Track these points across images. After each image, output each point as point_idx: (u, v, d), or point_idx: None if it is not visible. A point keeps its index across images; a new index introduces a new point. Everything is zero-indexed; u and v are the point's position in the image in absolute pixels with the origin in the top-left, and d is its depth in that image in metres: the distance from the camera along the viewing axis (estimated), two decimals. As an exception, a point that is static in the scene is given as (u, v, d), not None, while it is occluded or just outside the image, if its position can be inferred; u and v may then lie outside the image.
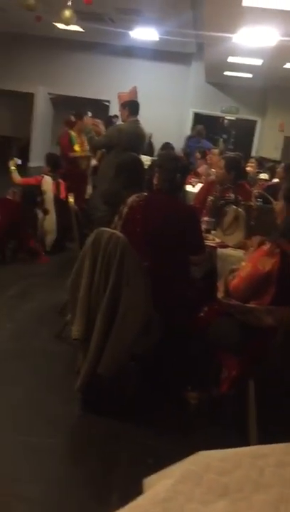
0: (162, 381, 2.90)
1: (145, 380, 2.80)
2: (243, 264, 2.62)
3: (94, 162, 6.76)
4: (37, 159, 12.30)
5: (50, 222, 5.80)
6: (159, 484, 1.06)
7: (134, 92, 5.31)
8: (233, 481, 1.03)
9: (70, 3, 6.54)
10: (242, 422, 2.51)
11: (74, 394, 2.75)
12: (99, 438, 2.58)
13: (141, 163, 3.64)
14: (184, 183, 3.51)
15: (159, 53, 12.18)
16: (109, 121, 9.07)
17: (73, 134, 6.58)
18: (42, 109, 13.78)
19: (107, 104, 12.54)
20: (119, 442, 2.55)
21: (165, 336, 2.75)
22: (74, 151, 6.55)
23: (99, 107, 11.80)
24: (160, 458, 2.36)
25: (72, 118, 6.73)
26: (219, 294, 2.60)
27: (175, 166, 3.00)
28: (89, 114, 5.97)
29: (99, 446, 2.53)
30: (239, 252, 3.28)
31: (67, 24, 6.79)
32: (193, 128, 10.87)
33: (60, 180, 6.00)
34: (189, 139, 10.14)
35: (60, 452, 2.44)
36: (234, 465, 1.07)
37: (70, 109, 7.66)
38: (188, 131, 11.91)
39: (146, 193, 3.19)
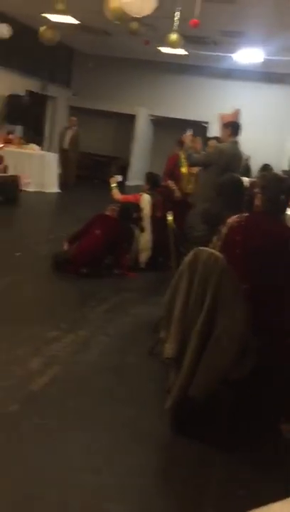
0: (256, 409, 2.78)
1: (238, 406, 2.69)
2: None
3: None
4: (135, 178, 12.65)
5: (145, 239, 5.89)
6: (263, 521, 0.99)
7: (237, 114, 5.36)
8: None
9: (176, 27, 6.70)
10: None
11: (164, 413, 2.71)
12: (187, 461, 2.52)
13: (242, 183, 3.59)
14: (288, 205, 3.39)
15: (261, 75, 12.05)
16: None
17: (183, 155, 6.61)
18: (142, 130, 14.21)
19: (206, 125, 12.60)
20: (208, 468, 2.47)
21: (261, 362, 2.64)
22: (181, 172, 6.60)
23: (198, 129, 11.90)
24: (251, 491, 2.26)
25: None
26: None
27: (280, 187, 2.92)
28: (189, 131, 6.01)
29: (187, 469, 2.46)
30: None
31: (173, 47, 6.96)
32: None
33: (158, 199, 6.09)
34: None
35: (146, 472, 2.40)
36: None
37: (170, 130, 7.77)
38: (289, 153, 11.61)
39: (246, 214, 3.12)
